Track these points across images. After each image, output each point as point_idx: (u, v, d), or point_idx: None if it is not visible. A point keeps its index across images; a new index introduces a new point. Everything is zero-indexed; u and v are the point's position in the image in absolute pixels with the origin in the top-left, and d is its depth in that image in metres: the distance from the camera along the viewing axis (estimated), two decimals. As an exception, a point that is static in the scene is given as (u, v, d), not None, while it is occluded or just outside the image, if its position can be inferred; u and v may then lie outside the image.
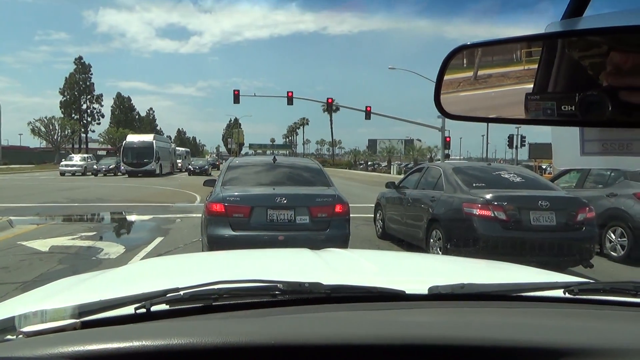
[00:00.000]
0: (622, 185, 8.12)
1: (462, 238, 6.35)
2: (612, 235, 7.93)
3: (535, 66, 0.81)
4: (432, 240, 6.98)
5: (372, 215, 10.37)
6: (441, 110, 0.89)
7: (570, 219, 6.22)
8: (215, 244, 5.73)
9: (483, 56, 0.89)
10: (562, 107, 0.73)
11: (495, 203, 6.17)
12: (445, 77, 0.88)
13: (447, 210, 6.82)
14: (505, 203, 6.17)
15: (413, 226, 7.81)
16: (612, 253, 7.90)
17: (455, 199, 6.72)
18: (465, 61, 0.89)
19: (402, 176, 11.30)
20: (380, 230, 9.57)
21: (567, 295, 1.26)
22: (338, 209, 6.04)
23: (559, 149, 0.92)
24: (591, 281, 1.45)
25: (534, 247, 6.00)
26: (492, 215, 6.10)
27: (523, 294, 1.28)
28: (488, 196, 6.29)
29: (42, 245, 8.20)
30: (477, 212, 6.20)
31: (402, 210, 8.43)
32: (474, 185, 6.77)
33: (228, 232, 5.80)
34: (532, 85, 0.81)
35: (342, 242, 5.93)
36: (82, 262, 7.15)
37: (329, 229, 5.96)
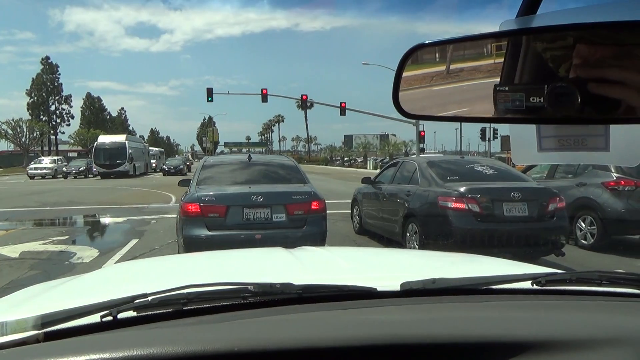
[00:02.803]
0: (591, 174, 8.34)
1: (437, 231, 6.43)
2: (582, 223, 8.15)
3: (501, 62, 0.82)
4: (408, 234, 7.05)
5: (349, 211, 10.41)
6: (401, 110, 0.89)
7: (541, 209, 6.36)
8: (191, 244, 5.65)
9: (443, 54, 0.89)
10: (531, 99, 0.75)
11: (469, 196, 6.26)
12: (403, 77, 0.89)
13: (422, 204, 6.89)
14: (479, 195, 6.27)
15: (389, 221, 7.87)
16: (582, 241, 8.12)
17: (430, 193, 6.80)
18: (423, 60, 0.90)
19: (378, 171, 11.36)
20: (358, 225, 9.62)
21: (535, 286, 1.28)
22: (314, 206, 6.04)
23: (517, 145, 0.94)
24: (558, 272, 1.47)
25: (507, 237, 6.11)
26: (466, 207, 6.19)
27: (493, 286, 1.30)
28: (462, 189, 6.38)
29: (12, 251, 7.99)
30: (451, 205, 6.29)
31: (378, 205, 8.49)
32: (448, 178, 6.86)
33: (204, 232, 5.73)
34: (497, 80, 0.82)
35: (319, 239, 5.94)
36: (55, 267, 6.99)
37: (306, 227, 5.94)
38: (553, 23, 0.77)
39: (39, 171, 38.40)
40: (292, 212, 5.94)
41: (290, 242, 5.18)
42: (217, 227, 5.77)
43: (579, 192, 8.29)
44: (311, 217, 6.00)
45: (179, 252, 6.12)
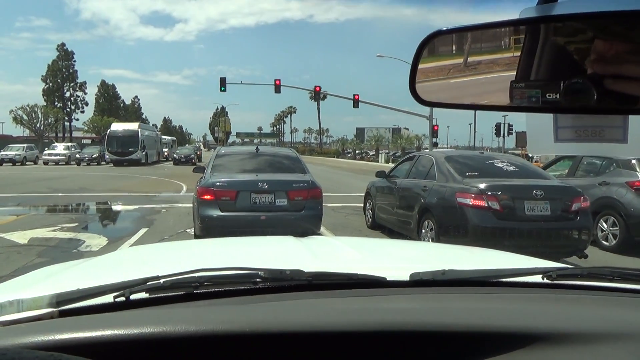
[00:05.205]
0: (614, 173, 8.04)
1: (455, 228, 6.21)
2: (604, 224, 7.86)
3: (518, 53, 0.80)
4: (423, 230, 6.84)
5: (362, 205, 10.21)
6: (416, 97, 0.89)
7: (564, 209, 6.10)
8: (206, 223, 6.57)
9: (460, 42, 0.87)
10: (547, 95, 0.73)
11: (489, 193, 6.02)
12: (420, 64, 0.87)
13: (439, 200, 6.66)
14: (499, 192, 6.02)
15: (404, 216, 7.66)
16: (604, 242, 7.82)
17: (448, 189, 6.57)
18: (441, 47, 0.89)
19: (390, 165, 11.18)
20: (370, 220, 9.42)
21: (546, 280, 1.28)
22: (312, 192, 6.89)
23: (533, 135, 0.93)
24: (569, 266, 1.45)
25: (528, 237, 5.88)
26: (486, 205, 5.96)
27: (502, 279, 1.30)
28: (482, 186, 6.14)
29: (21, 237, 7.91)
30: (470, 202, 6.06)
31: (392, 200, 8.27)
32: (467, 174, 6.62)
33: (217, 212, 6.55)
34: (514, 72, 0.80)
35: (316, 221, 6.89)
36: (62, 255, 6.88)
37: (304, 210, 6.78)
38: (575, 11, 0.75)
39: (53, 157, 38.66)
40: (292, 197, 6.76)
41: (290, 223, 6.51)
42: (228, 209, 6.59)
43: (601, 192, 7.98)
44: (309, 202, 6.82)
45: (194, 230, 7.04)
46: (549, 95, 0.73)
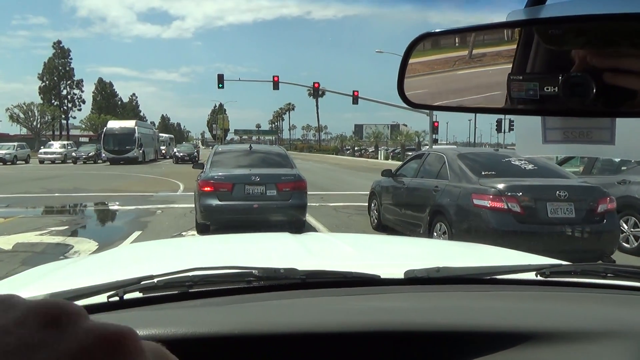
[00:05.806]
0: (635, 171, 7.60)
1: (471, 232, 5.74)
2: (625, 225, 7.40)
3: (510, 54, 0.77)
4: (435, 234, 6.38)
5: (365, 204, 9.75)
6: (405, 99, 0.87)
7: (590, 211, 5.65)
8: (206, 211, 7.61)
9: (449, 44, 0.86)
10: (537, 97, 0.70)
11: (509, 194, 5.56)
12: (409, 66, 0.85)
13: (453, 201, 6.19)
14: (520, 194, 5.56)
15: (413, 218, 7.20)
16: (624, 244, 7.37)
17: (462, 189, 6.10)
18: (429, 50, 0.86)
19: (390, 161, 10.75)
20: (376, 221, 8.94)
21: (539, 277, 1.27)
22: (298, 184, 7.89)
23: (521, 136, 0.93)
24: (563, 263, 1.44)
25: (550, 241, 5.44)
26: (505, 207, 5.50)
27: (497, 276, 1.29)
28: (500, 186, 5.67)
29: (5, 242, 7.46)
30: (488, 203, 5.59)
31: (400, 201, 7.81)
32: (483, 173, 6.15)
33: (215, 202, 7.55)
34: (505, 74, 0.76)
35: (301, 209, 7.92)
36: (48, 262, 6.41)
37: (291, 199, 7.76)
38: (563, 13, 0.73)
39: (49, 156, 38.04)
40: (281, 188, 7.72)
41: (279, 211, 7.75)
42: (225, 199, 7.58)
43: (621, 191, 7.52)
44: (295, 193, 7.80)
45: (196, 218, 7.99)
46: (540, 97, 0.71)
